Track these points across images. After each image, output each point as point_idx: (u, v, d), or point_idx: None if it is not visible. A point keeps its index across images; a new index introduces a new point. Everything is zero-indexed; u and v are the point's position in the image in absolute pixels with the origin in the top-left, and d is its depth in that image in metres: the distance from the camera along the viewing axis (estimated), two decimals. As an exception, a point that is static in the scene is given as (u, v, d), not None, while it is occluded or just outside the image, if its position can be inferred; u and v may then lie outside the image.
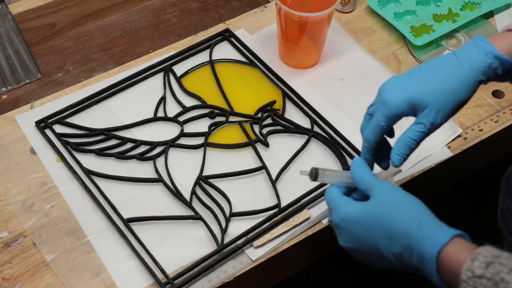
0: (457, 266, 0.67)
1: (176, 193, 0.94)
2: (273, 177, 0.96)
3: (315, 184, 0.95)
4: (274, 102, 1.05)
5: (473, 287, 0.65)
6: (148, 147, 0.99)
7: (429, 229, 0.70)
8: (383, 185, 0.76)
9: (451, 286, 0.69)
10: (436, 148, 1.00)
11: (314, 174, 0.80)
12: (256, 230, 0.91)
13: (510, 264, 0.64)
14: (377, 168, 0.85)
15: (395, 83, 0.80)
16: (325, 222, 0.93)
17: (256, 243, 0.90)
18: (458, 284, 0.66)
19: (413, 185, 0.97)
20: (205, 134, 1.00)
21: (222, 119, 1.03)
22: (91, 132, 1.00)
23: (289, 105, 1.05)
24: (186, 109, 1.03)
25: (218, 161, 0.98)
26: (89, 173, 0.95)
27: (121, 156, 0.98)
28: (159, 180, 0.95)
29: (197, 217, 0.91)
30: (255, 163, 0.98)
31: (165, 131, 1.01)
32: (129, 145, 0.99)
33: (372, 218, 0.73)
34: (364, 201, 0.76)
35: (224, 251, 0.89)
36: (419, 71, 0.80)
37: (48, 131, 1.00)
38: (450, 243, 0.69)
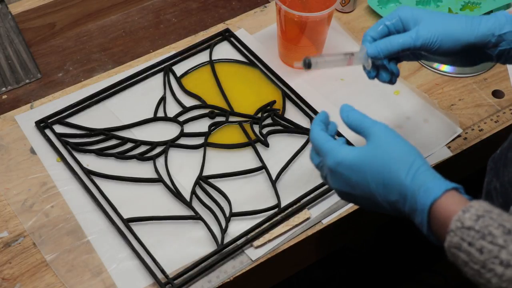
0: (447, 217, 0.67)
1: (176, 193, 0.94)
2: (273, 177, 0.96)
3: (315, 184, 0.95)
4: (274, 102, 1.05)
5: (460, 238, 0.65)
6: (148, 147, 0.99)
7: (424, 181, 0.70)
8: (381, 128, 0.75)
9: (439, 237, 0.69)
10: (436, 148, 1.00)
11: (307, 63, 0.85)
12: (256, 230, 0.91)
13: (500, 220, 0.65)
14: None
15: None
16: (325, 222, 0.93)
17: (256, 243, 0.90)
18: (446, 234, 0.66)
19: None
20: (205, 134, 1.00)
21: (222, 119, 1.03)
22: (91, 132, 1.00)
23: (289, 105, 1.05)
24: (186, 109, 1.03)
25: (218, 161, 0.98)
26: (89, 173, 0.95)
27: (121, 156, 0.98)
28: (159, 180, 0.95)
29: (197, 217, 0.91)
30: (255, 163, 0.98)
31: (165, 131, 1.01)
32: (129, 145, 0.99)
33: (369, 165, 0.73)
34: (360, 147, 0.74)
35: (224, 251, 0.89)
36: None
37: (48, 131, 1.00)
38: (443, 196, 0.69)
